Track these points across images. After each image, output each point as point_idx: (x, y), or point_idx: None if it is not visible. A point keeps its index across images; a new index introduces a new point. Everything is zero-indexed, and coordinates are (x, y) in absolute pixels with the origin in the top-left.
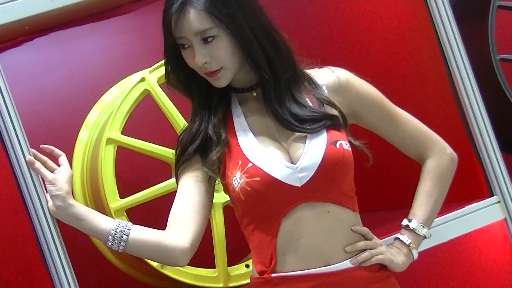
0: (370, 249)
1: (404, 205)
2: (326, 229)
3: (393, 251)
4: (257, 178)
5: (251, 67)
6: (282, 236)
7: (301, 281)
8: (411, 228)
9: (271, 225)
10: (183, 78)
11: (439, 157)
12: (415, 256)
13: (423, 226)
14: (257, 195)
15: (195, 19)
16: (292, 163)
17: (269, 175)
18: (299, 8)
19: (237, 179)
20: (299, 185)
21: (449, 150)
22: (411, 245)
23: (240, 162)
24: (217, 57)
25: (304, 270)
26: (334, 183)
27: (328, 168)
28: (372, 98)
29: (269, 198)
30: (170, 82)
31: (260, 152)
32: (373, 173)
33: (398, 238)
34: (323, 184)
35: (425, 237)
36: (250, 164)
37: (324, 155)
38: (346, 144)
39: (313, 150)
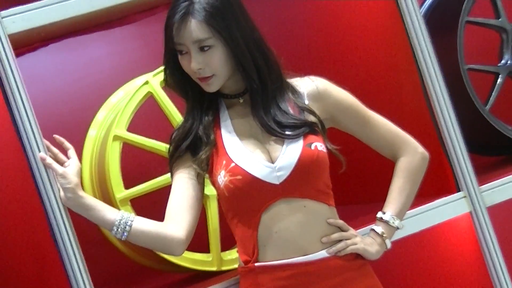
0: (346, 239)
1: (379, 199)
2: (303, 223)
3: (367, 241)
4: (239, 177)
5: (242, 76)
6: (262, 229)
7: (281, 270)
8: (385, 220)
9: (252, 219)
10: (179, 81)
11: (411, 156)
12: (389, 245)
13: (396, 218)
14: (239, 192)
15: (195, 28)
16: (271, 163)
17: (250, 174)
18: (274, 11)
19: (222, 177)
20: (277, 183)
21: (420, 149)
22: (384, 235)
23: (224, 162)
24: (211, 65)
25: (283, 260)
26: (309, 180)
27: (303, 167)
28: (348, 104)
29: (249, 194)
30: (167, 83)
31: (242, 153)
32: (350, 169)
33: (373, 229)
34: (299, 181)
35: (397, 228)
36: (233, 164)
37: (300, 156)
38: (321, 146)
39: (290, 152)
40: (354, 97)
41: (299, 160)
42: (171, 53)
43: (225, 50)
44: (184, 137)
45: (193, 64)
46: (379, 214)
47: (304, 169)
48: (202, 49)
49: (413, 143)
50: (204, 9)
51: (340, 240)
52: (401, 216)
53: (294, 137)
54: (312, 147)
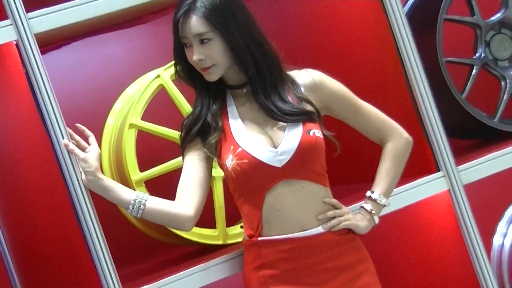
0: (339, 216)
1: (368, 179)
2: (302, 202)
3: (358, 217)
4: (246, 160)
5: (238, 67)
6: (266, 208)
7: (282, 244)
8: (373, 198)
9: (257, 199)
10: (187, 71)
11: (396, 141)
12: (377, 221)
13: (383, 197)
14: (245, 174)
15: (196, 23)
16: (274, 148)
17: (255, 157)
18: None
19: (230, 161)
20: (279, 166)
21: (405, 134)
22: (373, 212)
23: (232, 147)
24: (211, 56)
25: (284, 235)
26: (308, 164)
27: (303, 152)
28: (342, 94)
29: (255, 176)
30: (177, 73)
31: (248, 139)
32: (342, 153)
33: (363, 207)
34: (299, 165)
35: (384, 206)
36: (240, 149)
37: (300, 141)
38: (319, 132)
39: (291, 138)
40: (346, 88)
41: (299, 145)
42: (179, 46)
43: (222, 43)
44: (194, 122)
45: (195, 55)
46: (368, 193)
47: (303, 154)
48: (202, 41)
49: (399, 129)
50: (204, 7)
51: (334, 217)
52: (387, 195)
53: (293, 122)
54: (311, 133)
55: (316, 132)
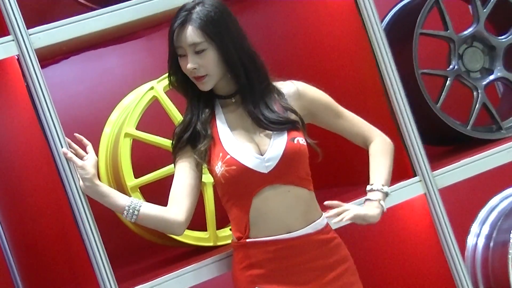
0: (345, 210)
1: (351, 183)
2: (287, 205)
3: (365, 207)
4: (234, 167)
5: (231, 76)
6: (253, 211)
7: (269, 245)
8: (376, 189)
9: (244, 203)
10: (180, 80)
11: (379, 140)
12: (385, 207)
13: (384, 185)
14: (234, 180)
15: (191, 33)
16: (261, 155)
17: (243, 164)
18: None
19: (219, 167)
20: (266, 172)
21: (387, 137)
22: (379, 199)
23: (221, 154)
24: (204, 66)
25: (270, 236)
26: (293, 169)
27: (287, 158)
28: (323, 101)
29: (242, 182)
30: (170, 82)
31: (236, 146)
32: (327, 158)
33: (368, 199)
34: (284, 170)
35: (387, 194)
36: (228, 156)
37: (285, 148)
38: (302, 140)
39: (277, 145)
40: (329, 96)
41: (284, 152)
42: (174, 56)
43: (216, 54)
44: (185, 130)
45: (189, 64)
46: (368, 187)
47: (288, 160)
48: (197, 52)
49: (379, 132)
50: (199, 18)
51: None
52: (387, 183)
53: (279, 131)
54: (295, 141)
55: (300, 140)
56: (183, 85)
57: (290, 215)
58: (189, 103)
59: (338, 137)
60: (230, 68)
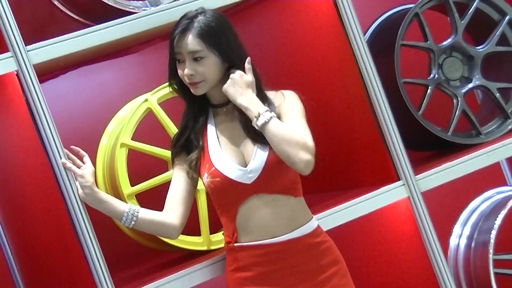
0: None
1: (337, 188)
2: (272, 212)
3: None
4: (218, 179)
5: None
6: (239, 219)
7: (255, 249)
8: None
9: (231, 211)
10: (178, 83)
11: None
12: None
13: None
14: (218, 191)
15: (191, 41)
16: (244, 167)
17: (226, 176)
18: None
19: (205, 178)
20: (249, 183)
21: (308, 156)
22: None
23: (207, 165)
24: (201, 73)
25: (256, 241)
26: (275, 180)
27: (269, 170)
28: (286, 109)
29: (227, 192)
30: (171, 86)
31: (221, 158)
32: (322, 162)
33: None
34: (266, 181)
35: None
36: (213, 168)
37: (266, 161)
38: None
39: (258, 157)
40: (298, 107)
41: (266, 164)
42: (173, 61)
43: (215, 62)
44: (180, 134)
45: (187, 70)
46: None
47: (270, 172)
48: (195, 59)
49: (311, 146)
50: (200, 27)
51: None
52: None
53: (263, 143)
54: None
55: None
56: (181, 89)
57: (275, 222)
58: (187, 107)
59: (333, 141)
60: (225, 77)
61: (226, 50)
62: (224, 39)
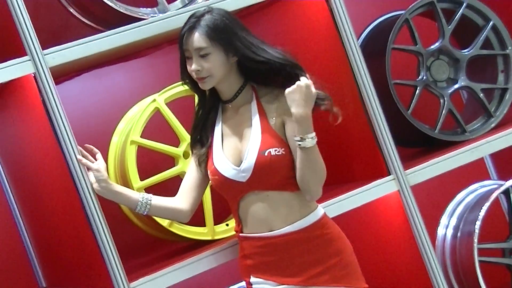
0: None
1: (338, 182)
2: (268, 207)
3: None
4: (216, 177)
5: (232, 79)
6: (241, 211)
7: (255, 241)
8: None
9: (233, 204)
10: (192, 80)
11: None
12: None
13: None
14: (218, 187)
15: (197, 39)
16: (239, 166)
17: (222, 175)
18: None
19: (209, 174)
20: (244, 181)
21: None
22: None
23: (209, 163)
24: (207, 68)
25: (256, 233)
26: (267, 178)
27: (259, 170)
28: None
29: (225, 189)
30: (183, 80)
31: (220, 157)
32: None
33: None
34: (259, 180)
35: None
36: (213, 166)
37: (255, 162)
38: (276, 150)
39: (249, 157)
40: None
41: (255, 165)
42: (183, 57)
43: (220, 58)
44: (194, 129)
45: (193, 66)
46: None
47: (260, 172)
48: (202, 56)
49: None
50: (206, 25)
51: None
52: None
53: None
54: (266, 153)
55: (273, 151)
56: (194, 85)
57: (271, 216)
58: (199, 99)
59: (328, 138)
60: (233, 72)
61: (232, 46)
62: (230, 36)
